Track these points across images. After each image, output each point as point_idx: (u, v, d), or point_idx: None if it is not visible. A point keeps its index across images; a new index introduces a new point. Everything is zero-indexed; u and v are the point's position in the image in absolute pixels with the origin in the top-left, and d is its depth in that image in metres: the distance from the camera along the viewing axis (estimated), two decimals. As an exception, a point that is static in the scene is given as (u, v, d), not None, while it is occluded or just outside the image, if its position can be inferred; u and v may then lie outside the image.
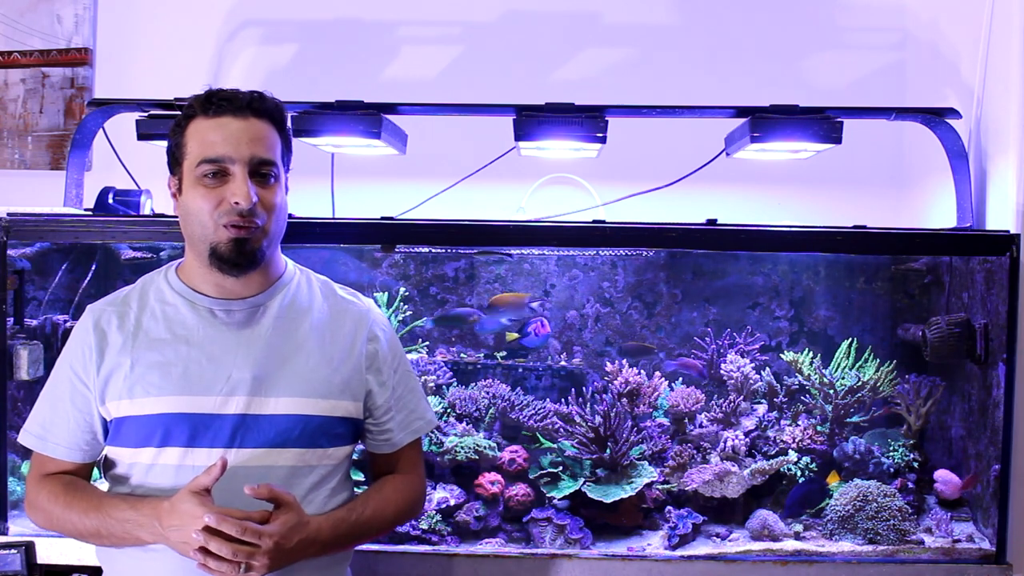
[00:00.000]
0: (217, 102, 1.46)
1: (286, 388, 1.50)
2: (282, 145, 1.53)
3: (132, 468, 1.48)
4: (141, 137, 2.20)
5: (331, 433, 1.54)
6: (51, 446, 1.53)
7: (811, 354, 2.36)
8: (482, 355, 2.51)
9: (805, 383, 2.34)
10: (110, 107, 2.30)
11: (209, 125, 1.46)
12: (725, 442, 2.23)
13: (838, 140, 2.09)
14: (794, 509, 2.15)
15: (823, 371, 2.31)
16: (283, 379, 1.51)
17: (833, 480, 2.17)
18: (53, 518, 1.49)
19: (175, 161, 1.51)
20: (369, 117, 2.13)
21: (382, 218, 2.08)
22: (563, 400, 2.32)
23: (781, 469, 2.20)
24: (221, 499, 1.40)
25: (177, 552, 1.38)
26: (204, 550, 1.33)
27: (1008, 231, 2.01)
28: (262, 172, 1.48)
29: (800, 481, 2.18)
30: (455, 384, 2.41)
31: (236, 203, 1.44)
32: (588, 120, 2.12)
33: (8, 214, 2.01)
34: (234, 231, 1.45)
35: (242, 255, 1.47)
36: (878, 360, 2.31)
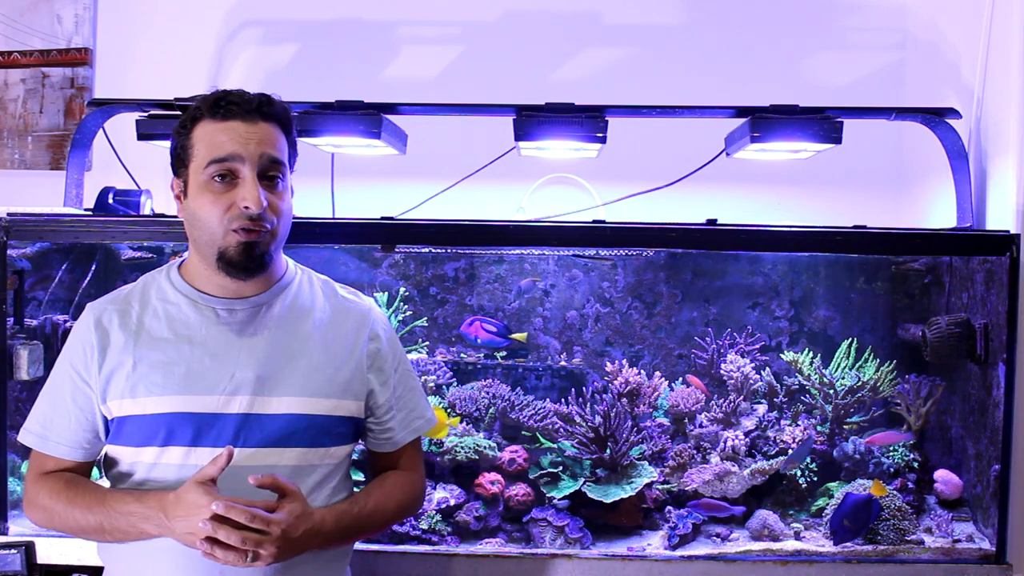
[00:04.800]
0: (226, 105, 1.46)
1: (289, 388, 1.50)
2: (289, 149, 1.53)
3: (134, 467, 1.48)
4: (141, 137, 2.20)
5: (333, 432, 1.54)
6: (52, 445, 1.53)
7: (811, 354, 2.36)
8: (482, 355, 2.52)
9: (805, 383, 2.34)
10: (110, 107, 2.30)
11: (217, 128, 1.46)
12: (725, 442, 2.23)
13: (838, 140, 2.09)
14: (851, 529, 2.04)
15: (823, 371, 2.31)
16: (286, 379, 1.51)
17: (880, 492, 2.07)
18: (54, 516, 1.49)
19: (180, 163, 1.50)
20: (369, 117, 2.13)
21: (382, 218, 2.08)
22: (563, 400, 2.32)
23: (781, 469, 2.20)
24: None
25: (183, 544, 1.38)
26: (211, 539, 1.33)
27: (1008, 231, 2.01)
28: (270, 175, 1.48)
29: (843, 499, 2.08)
30: (455, 384, 2.41)
31: (246, 207, 1.44)
32: (588, 120, 2.12)
33: (8, 214, 2.01)
34: (244, 235, 1.45)
35: (251, 259, 1.47)
36: (878, 360, 2.31)
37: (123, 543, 1.46)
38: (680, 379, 2.44)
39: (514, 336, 2.44)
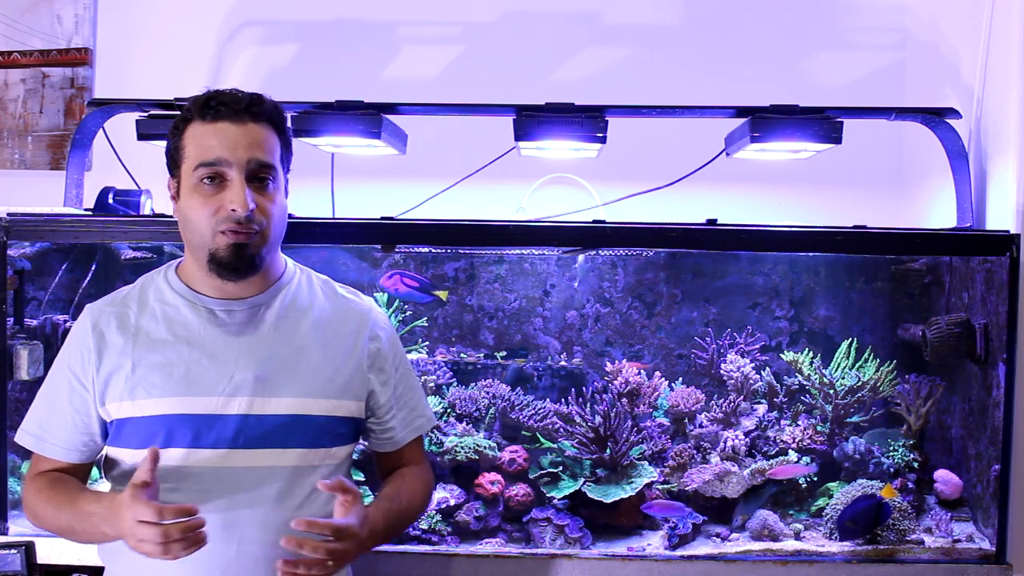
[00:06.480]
0: (215, 107, 1.45)
1: (289, 388, 1.50)
2: (281, 148, 1.52)
3: (135, 469, 1.48)
4: (141, 137, 2.20)
5: (333, 433, 1.54)
6: (48, 446, 1.53)
7: (811, 354, 2.36)
8: (482, 355, 2.52)
9: (805, 383, 2.34)
10: (110, 107, 2.30)
11: (207, 130, 1.45)
12: (725, 442, 2.23)
13: (838, 140, 2.09)
14: (855, 531, 2.05)
15: (823, 371, 2.31)
16: (285, 379, 1.51)
17: (890, 495, 2.08)
18: (38, 515, 1.50)
19: (174, 164, 1.50)
20: (369, 117, 2.13)
21: (382, 218, 2.08)
22: (563, 400, 2.32)
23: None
24: (225, 499, 1.42)
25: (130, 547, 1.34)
26: (288, 564, 1.33)
27: (1008, 231, 2.01)
28: (260, 177, 1.47)
29: (854, 499, 2.09)
30: (455, 384, 2.41)
31: (233, 210, 1.43)
32: (588, 120, 2.11)
33: (8, 214, 2.01)
34: (232, 236, 1.45)
35: (241, 260, 1.46)
36: (878, 360, 2.31)
37: (100, 544, 1.46)
38: (679, 380, 2.44)
39: (436, 293, 2.43)
